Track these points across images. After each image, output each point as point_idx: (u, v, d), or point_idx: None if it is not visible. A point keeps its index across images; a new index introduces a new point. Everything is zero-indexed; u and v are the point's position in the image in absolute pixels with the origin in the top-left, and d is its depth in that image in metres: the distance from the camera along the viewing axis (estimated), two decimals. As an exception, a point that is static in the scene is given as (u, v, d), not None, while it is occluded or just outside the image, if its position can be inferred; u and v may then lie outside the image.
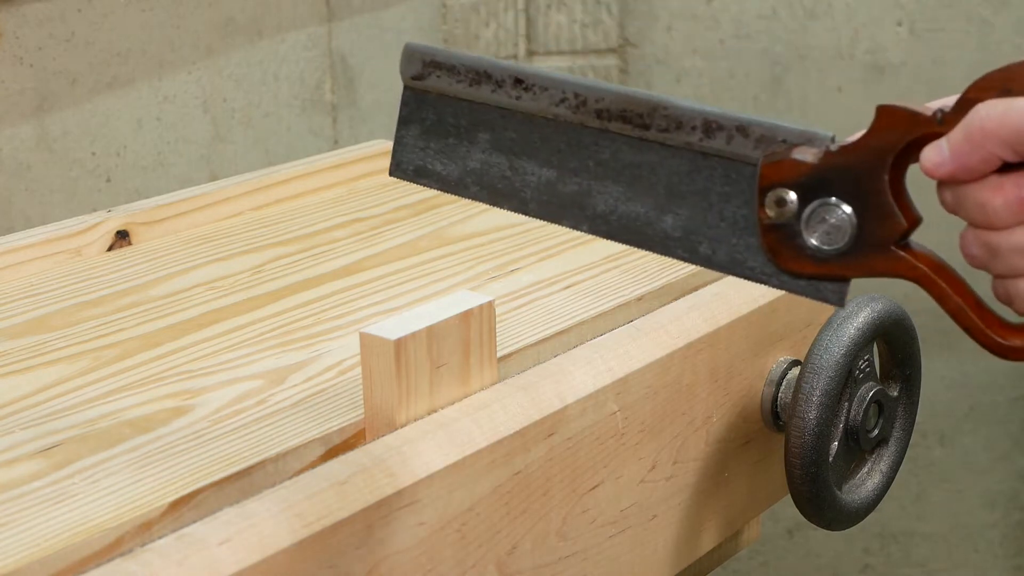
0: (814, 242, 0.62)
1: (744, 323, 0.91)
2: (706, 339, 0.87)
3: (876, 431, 0.93)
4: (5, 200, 1.23)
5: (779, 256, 0.63)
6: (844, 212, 0.61)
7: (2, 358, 0.83)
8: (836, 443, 0.91)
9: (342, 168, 1.18)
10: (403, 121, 0.72)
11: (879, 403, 0.93)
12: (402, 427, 0.71)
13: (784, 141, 0.62)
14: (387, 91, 1.60)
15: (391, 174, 0.72)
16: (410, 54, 0.71)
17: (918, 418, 0.98)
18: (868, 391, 0.91)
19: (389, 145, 1.22)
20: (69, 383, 0.79)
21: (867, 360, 0.91)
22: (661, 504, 0.86)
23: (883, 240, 0.61)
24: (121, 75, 1.30)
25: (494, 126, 0.69)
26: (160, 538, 0.62)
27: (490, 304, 0.75)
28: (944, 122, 0.59)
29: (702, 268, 0.66)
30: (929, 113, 0.60)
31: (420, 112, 0.71)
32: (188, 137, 1.38)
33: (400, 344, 0.70)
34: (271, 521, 0.63)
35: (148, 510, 0.64)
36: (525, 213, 0.69)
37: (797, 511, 0.91)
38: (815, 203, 0.62)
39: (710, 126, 0.64)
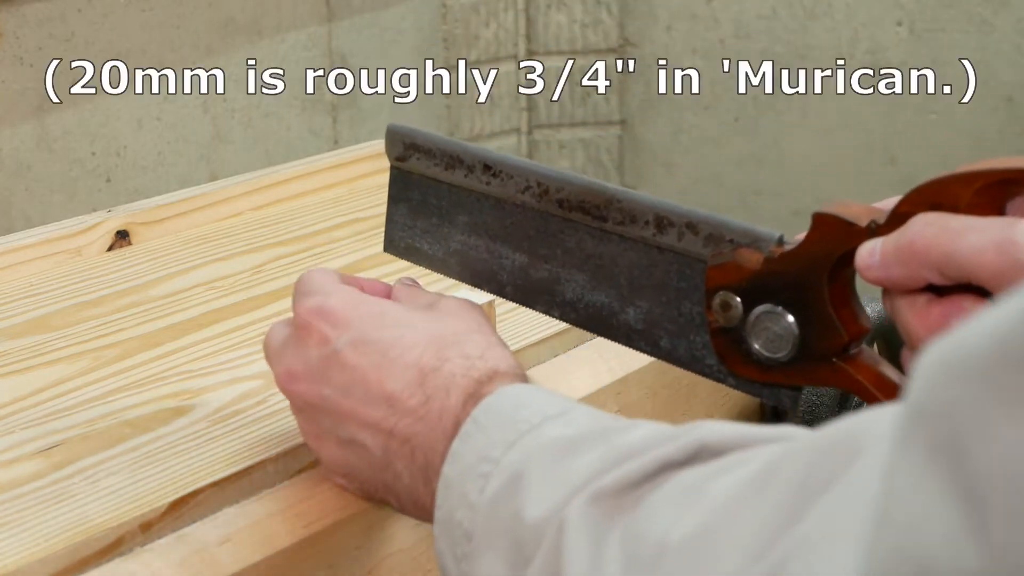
0: (759, 349, 0.60)
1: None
2: (706, 339, 0.87)
3: (876, 431, 0.93)
4: (5, 200, 1.23)
5: (728, 360, 0.62)
6: (786, 321, 0.59)
7: (2, 358, 0.83)
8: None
9: (342, 168, 1.18)
10: (392, 199, 0.74)
11: (879, 403, 0.92)
12: (402, 427, 0.71)
13: (731, 241, 0.61)
14: (387, 91, 1.60)
15: (385, 251, 0.75)
16: (392, 136, 0.74)
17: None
18: (868, 391, 0.91)
19: (389, 145, 1.22)
20: (69, 383, 0.79)
21: (867, 360, 0.91)
22: (661, 504, 0.86)
23: (825, 352, 0.59)
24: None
25: (470, 209, 0.70)
26: (160, 538, 0.62)
27: (490, 304, 0.75)
28: (877, 234, 0.57)
29: None
30: (863, 224, 0.57)
31: (406, 191, 0.73)
32: (188, 137, 1.38)
33: (400, 344, 0.70)
34: (271, 521, 0.63)
35: (148, 510, 0.64)
36: (503, 296, 0.71)
37: (797, 511, 0.91)
38: (759, 309, 0.60)
39: (661, 222, 0.63)
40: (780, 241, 0.60)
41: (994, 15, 1.66)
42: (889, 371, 0.58)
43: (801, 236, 0.59)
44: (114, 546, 0.62)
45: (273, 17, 1.45)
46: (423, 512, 0.61)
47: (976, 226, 0.53)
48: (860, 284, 0.63)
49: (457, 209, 0.71)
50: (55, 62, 1.25)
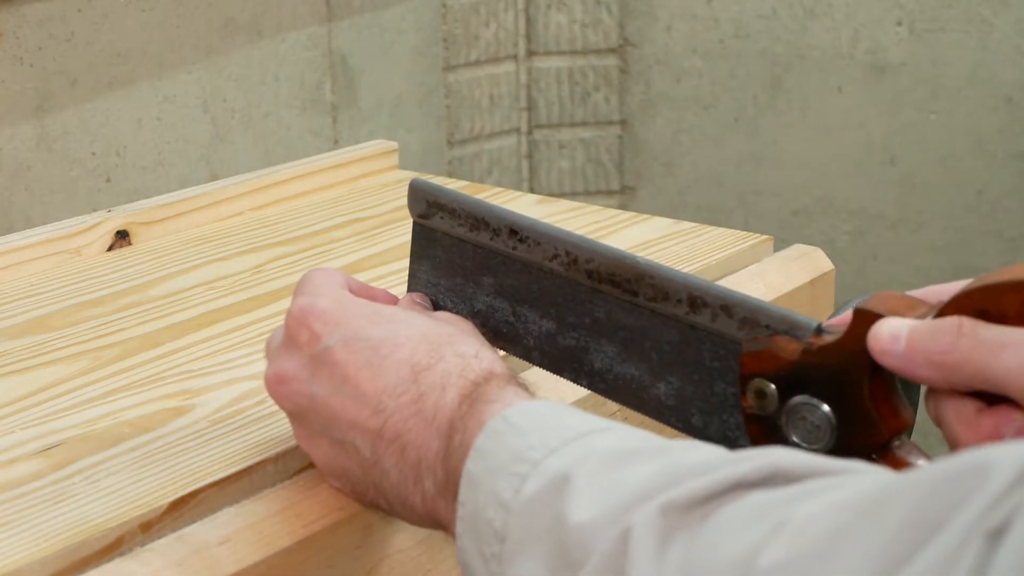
0: (795, 439, 0.59)
1: (744, 323, 0.90)
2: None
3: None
4: (5, 200, 1.23)
5: (761, 446, 0.60)
6: (823, 412, 0.58)
7: (2, 358, 0.83)
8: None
9: (342, 168, 1.18)
10: (415, 256, 0.72)
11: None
12: (402, 427, 0.71)
13: (767, 327, 0.59)
14: (387, 91, 1.60)
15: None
16: (415, 192, 0.71)
17: (918, 418, 0.98)
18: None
19: (389, 145, 1.22)
20: (69, 383, 0.79)
21: (867, 360, 0.91)
22: (661, 504, 0.86)
23: (862, 447, 0.57)
24: (121, 75, 1.31)
25: (496, 271, 0.69)
26: (160, 538, 0.62)
27: None
28: None
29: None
30: (905, 314, 0.56)
31: (429, 248, 0.71)
32: (188, 137, 1.38)
33: (400, 344, 0.70)
34: (271, 521, 0.63)
35: (148, 510, 0.64)
36: (530, 361, 0.69)
37: (797, 511, 0.91)
38: (795, 400, 0.58)
39: (695, 301, 0.62)
40: (819, 330, 0.58)
41: (994, 15, 1.66)
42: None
43: (838, 323, 0.58)
44: (114, 546, 0.62)
45: (273, 17, 1.45)
46: (411, 512, 0.61)
47: (1016, 342, 0.52)
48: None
49: (482, 270, 0.69)
50: (55, 62, 1.25)
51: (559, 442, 0.54)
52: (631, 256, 0.64)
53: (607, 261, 0.65)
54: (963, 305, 0.54)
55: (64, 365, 0.82)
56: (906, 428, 0.58)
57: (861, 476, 0.45)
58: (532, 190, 1.81)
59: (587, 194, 1.83)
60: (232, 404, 0.76)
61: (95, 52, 1.28)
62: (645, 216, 1.07)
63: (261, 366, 0.81)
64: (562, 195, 1.80)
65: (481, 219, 0.69)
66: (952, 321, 0.53)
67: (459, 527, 0.55)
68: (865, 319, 0.56)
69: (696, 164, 1.81)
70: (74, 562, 0.61)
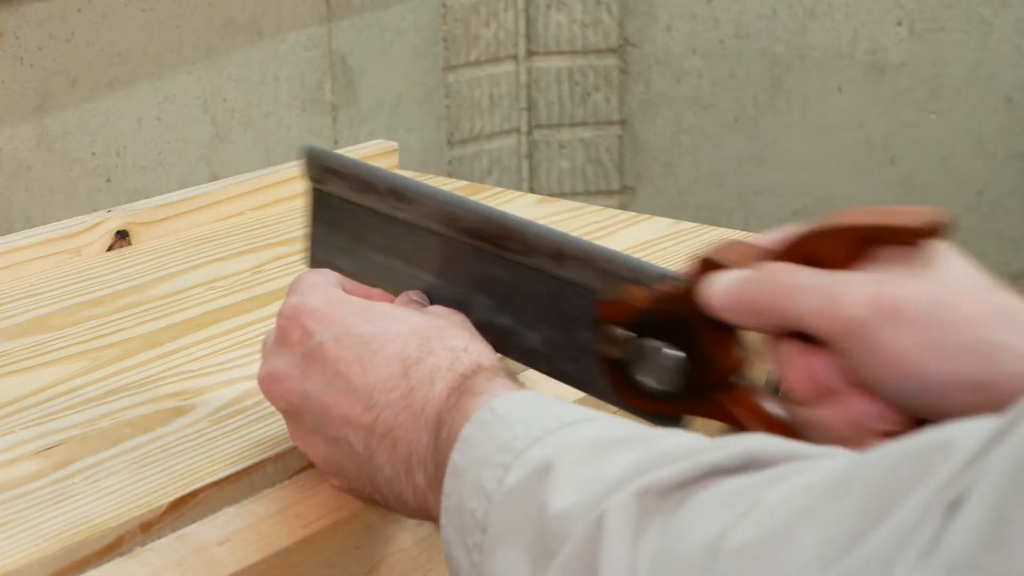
0: (646, 381, 0.62)
1: (744, 323, 0.90)
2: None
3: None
4: (5, 200, 1.23)
5: (618, 390, 0.64)
6: (670, 356, 0.61)
7: (2, 358, 0.83)
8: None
9: (342, 168, 1.18)
10: (314, 219, 0.76)
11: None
12: (402, 427, 0.71)
13: (622, 277, 0.63)
14: (387, 91, 1.60)
15: (310, 267, 0.76)
16: (310, 158, 0.75)
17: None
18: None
19: (389, 145, 1.22)
20: (69, 383, 0.79)
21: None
22: (661, 504, 0.86)
23: (707, 384, 0.60)
24: (121, 75, 1.30)
25: (384, 231, 0.72)
26: (160, 538, 0.62)
27: None
28: None
29: None
30: (743, 266, 0.58)
31: (326, 212, 0.75)
32: (188, 137, 1.38)
33: (400, 344, 0.70)
34: (271, 521, 0.63)
35: (148, 510, 0.64)
36: None
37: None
38: (645, 344, 0.62)
39: (558, 254, 0.65)
40: (664, 278, 0.62)
41: (994, 15, 1.66)
42: (771, 406, 0.59)
43: (687, 271, 0.61)
44: (114, 546, 0.62)
45: (273, 17, 1.45)
46: (405, 506, 0.61)
47: (811, 284, 0.54)
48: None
49: (371, 231, 0.73)
50: (55, 62, 1.25)
51: (542, 432, 0.54)
52: (502, 213, 0.68)
53: (480, 219, 0.68)
54: (790, 254, 0.57)
55: (64, 365, 0.82)
56: (739, 368, 0.60)
57: (832, 459, 0.46)
58: (532, 190, 1.81)
59: (587, 194, 1.83)
60: (232, 404, 0.76)
61: (95, 52, 1.28)
62: (645, 216, 1.07)
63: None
64: (562, 195, 1.80)
65: (367, 181, 0.72)
66: (766, 269, 0.56)
67: (444, 518, 0.56)
68: (705, 267, 0.60)
69: (696, 164, 1.81)
70: (74, 562, 0.61)
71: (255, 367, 0.81)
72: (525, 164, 1.82)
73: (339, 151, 1.22)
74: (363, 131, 1.57)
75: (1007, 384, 0.51)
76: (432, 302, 0.70)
